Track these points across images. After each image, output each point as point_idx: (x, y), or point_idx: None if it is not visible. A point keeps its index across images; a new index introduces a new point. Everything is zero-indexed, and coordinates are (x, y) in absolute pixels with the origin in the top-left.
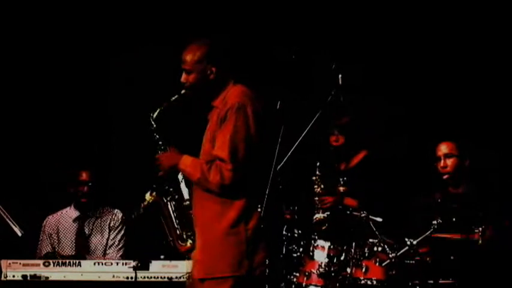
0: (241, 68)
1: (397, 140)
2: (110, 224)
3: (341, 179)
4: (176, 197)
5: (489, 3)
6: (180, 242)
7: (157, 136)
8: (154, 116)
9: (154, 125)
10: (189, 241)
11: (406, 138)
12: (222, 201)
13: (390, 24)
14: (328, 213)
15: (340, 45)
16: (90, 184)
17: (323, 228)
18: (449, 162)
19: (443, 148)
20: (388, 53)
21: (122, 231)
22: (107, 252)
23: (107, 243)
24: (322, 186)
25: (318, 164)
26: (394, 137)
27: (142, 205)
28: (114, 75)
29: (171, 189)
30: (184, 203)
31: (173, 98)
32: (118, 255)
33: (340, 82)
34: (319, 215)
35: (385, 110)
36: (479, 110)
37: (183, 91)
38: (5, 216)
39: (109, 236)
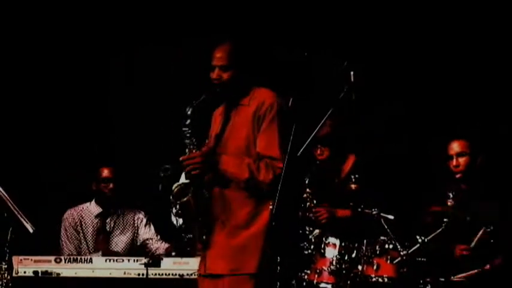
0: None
1: (395, 139)
2: (134, 223)
3: (352, 177)
4: (201, 193)
5: (489, 3)
6: (201, 239)
7: (190, 131)
8: (189, 112)
9: (189, 121)
10: (204, 236)
11: (405, 137)
12: (258, 202)
13: (389, 24)
14: (318, 232)
15: (341, 45)
16: (112, 180)
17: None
18: (462, 161)
19: (455, 147)
20: (387, 53)
21: (152, 226)
22: (152, 247)
23: (132, 243)
24: (314, 201)
25: (306, 180)
26: (390, 137)
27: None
28: (114, 75)
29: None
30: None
31: (204, 95)
32: (164, 246)
33: (352, 79)
34: (315, 232)
35: (384, 109)
36: (480, 108)
37: (216, 88)
38: (16, 213)
39: (138, 233)
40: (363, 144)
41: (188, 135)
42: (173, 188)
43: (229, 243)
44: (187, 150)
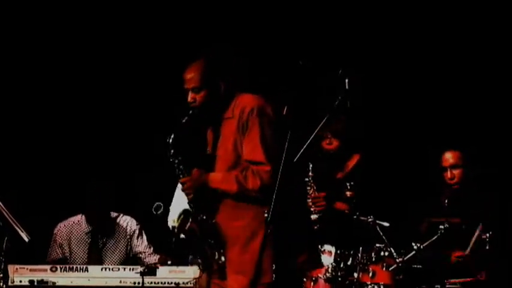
0: (246, 74)
1: (395, 143)
2: (126, 234)
3: (348, 184)
4: (204, 217)
5: (489, 12)
6: (217, 261)
7: (176, 161)
8: (170, 141)
9: (172, 151)
10: (222, 258)
11: (402, 144)
12: (259, 211)
13: (389, 30)
14: (320, 214)
15: (342, 52)
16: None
17: (315, 228)
18: (456, 172)
19: (448, 159)
20: (385, 60)
21: (144, 236)
22: (145, 261)
23: (126, 254)
24: (314, 187)
25: (310, 165)
26: (391, 140)
27: (174, 230)
28: (110, 87)
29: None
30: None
31: (184, 120)
32: (156, 259)
33: (347, 87)
34: (312, 216)
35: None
36: (479, 115)
37: (191, 111)
38: (12, 222)
39: (131, 245)
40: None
41: (175, 165)
42: (174, 223)
43: (241, 259)
44: (178, 179)
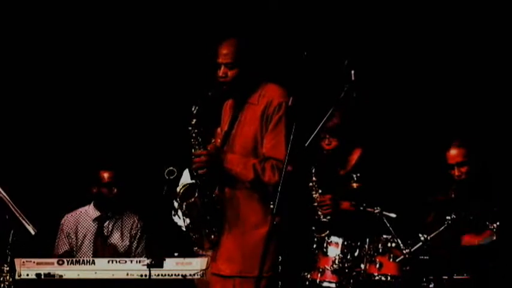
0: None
1: (401, 133)
2: (131, 230)
3: (354, 176)
4: (208, 192)
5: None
6: (209, 238)
7: (196, 130)
8: (195, 111)
9: (195, 120)
10: (213, 236)
11: (408, 134)
12: (266, 204)
13: (394, 24)
14: (329, 217)
15: (347, 43)
16: (115, 185)
17: (324, 235)
18: (463, 169)
19: (454, 156)
20: (390, 49)
21: (143, 241)
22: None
23: (129, 247)
24: (319, 191)
25: (313, 169)
26: (397, 131)
27: (178, 195)
28: (116, 74)
29: (202, 185)
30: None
31: (210, 93)
32: None
33: (353, 78)
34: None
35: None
36: (485, 104)
37: (222, 86)
38: (18, 215)
39: (131, 243)
40: (370, 138)
41: (194, 134)
42: (178, 189)
43: (238, 246)
44: (193, 150)
